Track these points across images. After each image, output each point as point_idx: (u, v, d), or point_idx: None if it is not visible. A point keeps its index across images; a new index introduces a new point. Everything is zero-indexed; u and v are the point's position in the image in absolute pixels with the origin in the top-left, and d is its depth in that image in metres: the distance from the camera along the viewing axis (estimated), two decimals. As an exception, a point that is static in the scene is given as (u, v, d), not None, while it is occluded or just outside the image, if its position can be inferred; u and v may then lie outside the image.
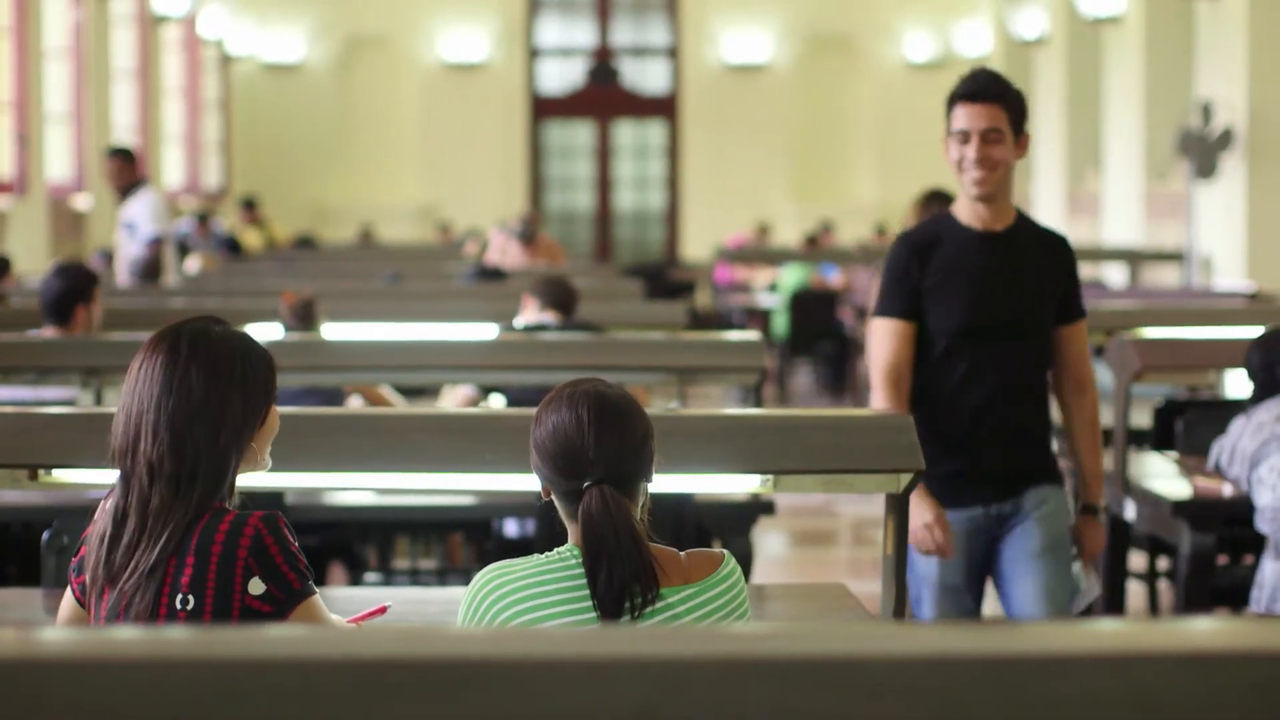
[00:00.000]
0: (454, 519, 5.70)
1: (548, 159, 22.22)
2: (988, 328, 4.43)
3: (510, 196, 21.21)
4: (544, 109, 22.07)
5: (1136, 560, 6.52)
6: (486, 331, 6.39)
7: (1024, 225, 4.52)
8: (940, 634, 1.40)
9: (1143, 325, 6.60)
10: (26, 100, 13.68)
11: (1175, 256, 13.21)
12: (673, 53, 22.11)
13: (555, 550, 2.84)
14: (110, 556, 2.76)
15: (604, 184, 22.17)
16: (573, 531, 2.85)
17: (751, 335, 6.78)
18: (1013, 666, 1.32)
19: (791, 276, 14.71)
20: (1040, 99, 17.79)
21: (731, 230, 20.15)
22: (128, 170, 11.11)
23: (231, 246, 15.97)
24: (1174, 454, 5.93)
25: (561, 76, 22.20)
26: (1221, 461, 5.09)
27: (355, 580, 6.18)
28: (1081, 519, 4.56)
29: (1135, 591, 6.66)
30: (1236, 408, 5.33)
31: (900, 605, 3.42)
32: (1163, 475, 5.72)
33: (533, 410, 2.91)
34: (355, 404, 6.29)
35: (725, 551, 2.90)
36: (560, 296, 6.55)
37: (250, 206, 18.52)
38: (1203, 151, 12.38)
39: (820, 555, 8.57)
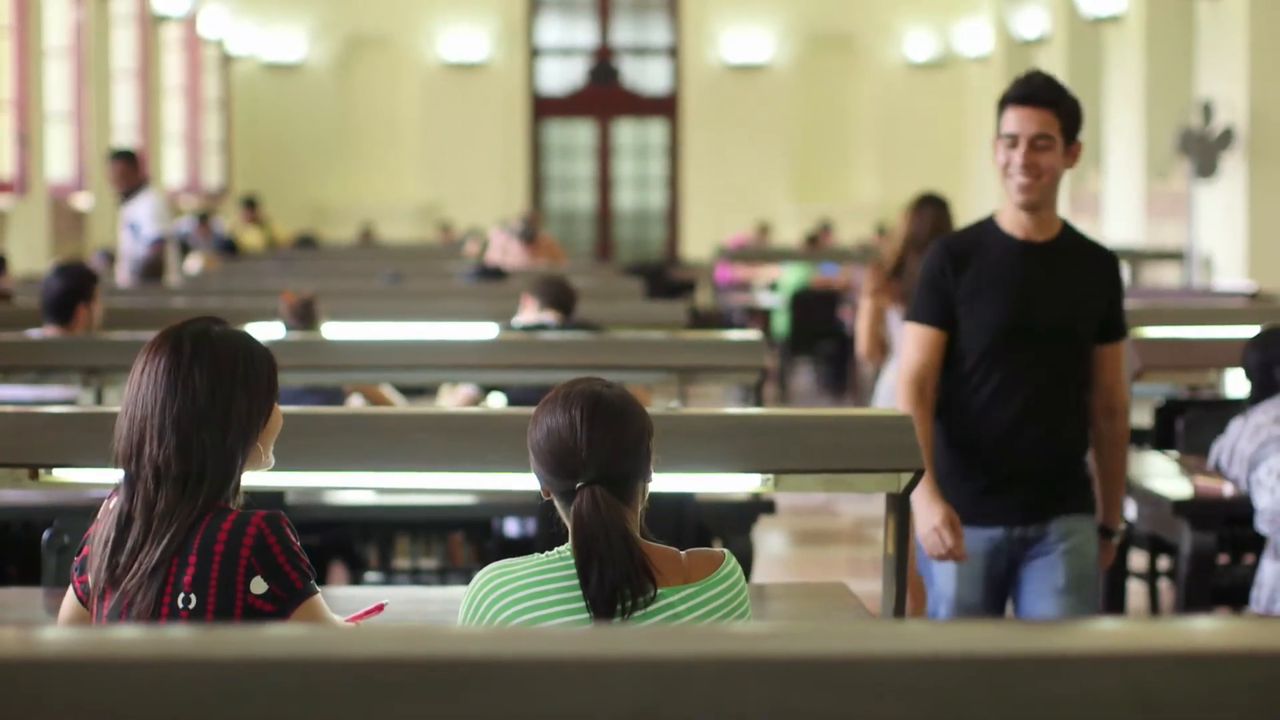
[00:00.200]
0: (454, 518, 5.70)
1: (548, 158, 22.22)
2: (1022, 341, 4.26)
3: (510, 196, 21.21)
4: (544, 108, 22.07)
5: (1137, 560, 6.52)
6: (487, 331, 6.40)
7: (1069, 236, 4.35)
8: (940, 634, 1.40)
9: (1143, 325, 6.59)
10: (27, 99, 13.68)
11: (1176, 256, 13.20)
12: (673, 52, 22.11)
13: (555, 550, 2.85)
14: (113, 560, 2.76)
15: (604, 183, 22.17)
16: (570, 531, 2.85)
17: (752, 335, 6.78)
18: (1013, 666, 1.32)
19: (792, 276, 14.72)
20: (1041, 98, 17.76)
21: (732, 229, 20.15)
22: (131, 173, 11.14)
23: (229, 247, 15.97)
24: (1174, 453, 5.93)
25: (562, 76, 22.20)
26: (1221, 462, 5.09)
27: (356, 580, 6.18)
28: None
29: (1136, 591, 6.65)
30: (1237, 407, 5.33)
31: (901, 605, 3.42)
32: (1163, 475, 5.72)
33: (533, 410, 2.92)
34: (356, 403, 6.29)
35: (726, 551, 2.90)
36: (559, 296, 6.55)
37: (251, 206, 18.53)
38: (1203, 151, 12.37)
39: (821, 555, 8.57)
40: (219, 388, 2.78)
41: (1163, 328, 6.64)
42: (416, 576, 6.10)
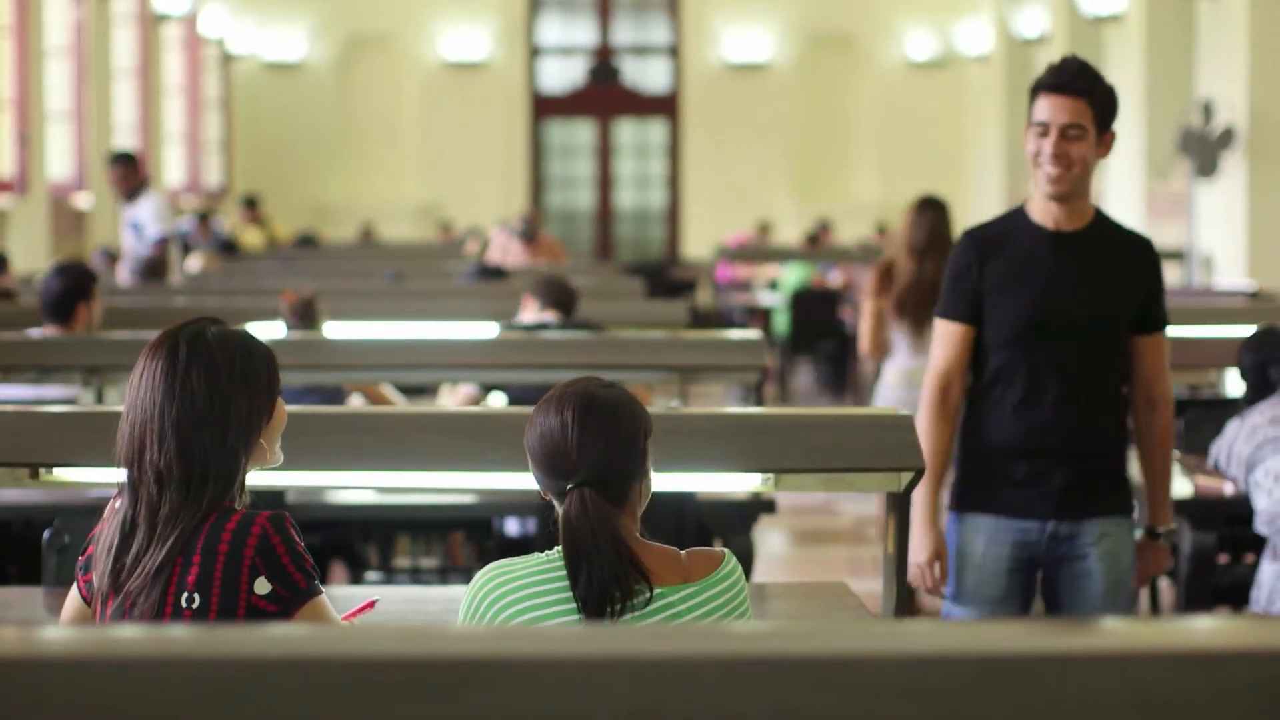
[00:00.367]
0: (455, 518, 5.70)
1: (548, 158, 22.22)
2: (1053, 332, 4.15)
3: (511, 195, 21.21)
4: (545, 108, 22.07)
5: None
6: (487, 330, 6.40)
7: (1102, 225, 4.22)
8: (940, 634, 1.40)
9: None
10: (27, 99, 13.68)
11: (1176, 255, 13.20)
12: (674, 51, 22.11)
13: (555, 549, 2.85)
14: (117, 566, 2.76)
15: (605, 183, 22.17)
16: (569, 532, 2.86)
17: (752, 334, 6.78)
18: (1013, 666, 1.32)
19: (792, 275, 14.71)
20: (1041, 98, 17.76)
21: (732, 229, 20.15)
22: (131, 174, 11.17)
23: (229, 247, 15.97)
24: (1175, 453, 5.93)
25: (562, 75, 22.20)
26: (1220, 462, 5.08)
27: (356, 579, 6.18)
28: (1144, 540, 4.32)
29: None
30: (1237, 407, 5.32)
31: (901, 604, 3.42)
32: (1163, 474, 5.71)
33: (532, 409, 2.92)
34: (356, 403, 6.29)
35: (726, 550, 2.89)
36: (560, 296, 6.55)
37: (251, 205, 18.52)
38: (1203, 150, 12.37)
39: (821, 554, 8.57)
40: (217, 388, 2.78)
41: (1163, 327, 6.63)
42: (417, 576, 6.11)
